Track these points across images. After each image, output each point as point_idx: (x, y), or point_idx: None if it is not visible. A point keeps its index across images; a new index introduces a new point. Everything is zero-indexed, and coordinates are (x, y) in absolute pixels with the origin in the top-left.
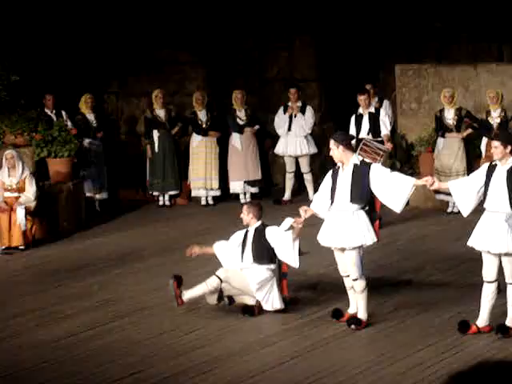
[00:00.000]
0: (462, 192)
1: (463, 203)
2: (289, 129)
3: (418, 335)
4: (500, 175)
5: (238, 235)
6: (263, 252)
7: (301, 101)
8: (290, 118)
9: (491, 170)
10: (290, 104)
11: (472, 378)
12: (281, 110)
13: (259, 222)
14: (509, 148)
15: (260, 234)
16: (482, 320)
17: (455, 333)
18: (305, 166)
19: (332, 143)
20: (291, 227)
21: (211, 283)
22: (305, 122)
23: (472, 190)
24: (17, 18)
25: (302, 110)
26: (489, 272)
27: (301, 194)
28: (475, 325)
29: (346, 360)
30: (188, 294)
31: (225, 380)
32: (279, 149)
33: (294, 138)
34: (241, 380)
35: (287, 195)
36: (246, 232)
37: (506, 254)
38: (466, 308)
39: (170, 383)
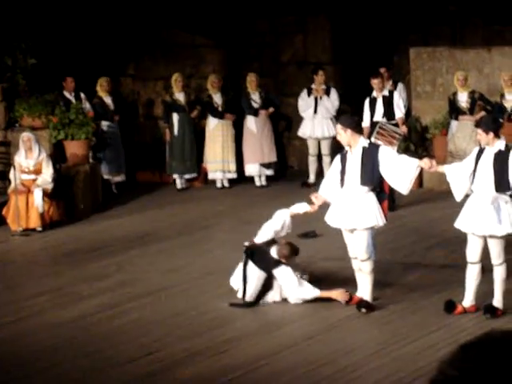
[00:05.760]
0: (456, 176)
1: (456, 188)
2: (315, 111)
3: (432, 316)
4: (487, 158)
5: None
6: None
7: (324, 83)
8: (316, 100)
9: (480, 153)
10: (313, 86)
11: (481, 348)
12: (305, 93)
13: None
14: (491, 134)
15: None
16: (468, 300)
17: (468, 314)
18: (326, 148)
19: (339, 127)
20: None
21: None
22: (331, 103)
23: (464, 174)
24: (33, 1)
25: (327, 93)
26: (473, 253)
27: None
28: (461, 305)
29: (360, 341)
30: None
31: (240, 360)
32: (306, 132)
33: (320, 120)
34: (256, 360)
35: (312, 178)
36: None
37: (492, 236)
38: (477, 290)
39: (186, 363)
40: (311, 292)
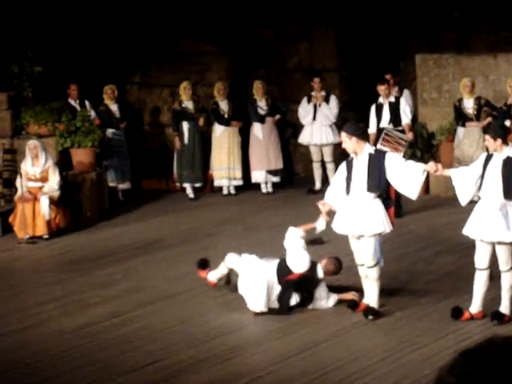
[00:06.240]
0: (462, 181)
1: (462, 192)
2: (313, 118)
3: (439, 323)
4: (496, 165)
5: None
6: None
7: (324, 90)
8: (315, 107)
9: (488, 159)
10: (313, 94)
11: (480, 354)
12: (305, 100)
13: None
14: (499, 141)
15: None
16: (475, 306)
17: (475, 321)
18: (328, 155)
19: (344, 135)
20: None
21: None
22: (330, 110)
23: (471, 179)
24: (39, 9)
25: (326, 100)
26: (481, 260)
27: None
28: (468, 311)
29: (366, 348)
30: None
31: (246, 368)
32: (304, 138)
33: (319, 127)
34: (262, 368)
35: (318, 185)
36: None
37: (500, 243)
38: (485, 296)
39: (192, 371)
40: (334, 299)
